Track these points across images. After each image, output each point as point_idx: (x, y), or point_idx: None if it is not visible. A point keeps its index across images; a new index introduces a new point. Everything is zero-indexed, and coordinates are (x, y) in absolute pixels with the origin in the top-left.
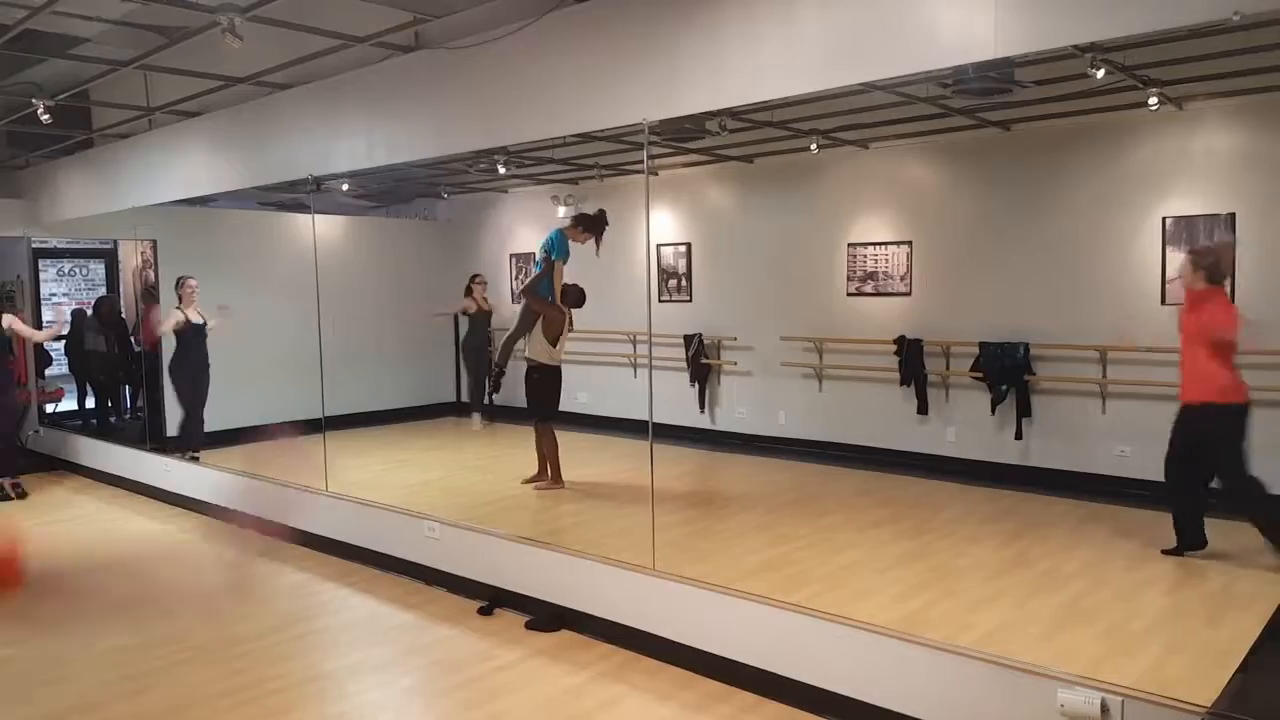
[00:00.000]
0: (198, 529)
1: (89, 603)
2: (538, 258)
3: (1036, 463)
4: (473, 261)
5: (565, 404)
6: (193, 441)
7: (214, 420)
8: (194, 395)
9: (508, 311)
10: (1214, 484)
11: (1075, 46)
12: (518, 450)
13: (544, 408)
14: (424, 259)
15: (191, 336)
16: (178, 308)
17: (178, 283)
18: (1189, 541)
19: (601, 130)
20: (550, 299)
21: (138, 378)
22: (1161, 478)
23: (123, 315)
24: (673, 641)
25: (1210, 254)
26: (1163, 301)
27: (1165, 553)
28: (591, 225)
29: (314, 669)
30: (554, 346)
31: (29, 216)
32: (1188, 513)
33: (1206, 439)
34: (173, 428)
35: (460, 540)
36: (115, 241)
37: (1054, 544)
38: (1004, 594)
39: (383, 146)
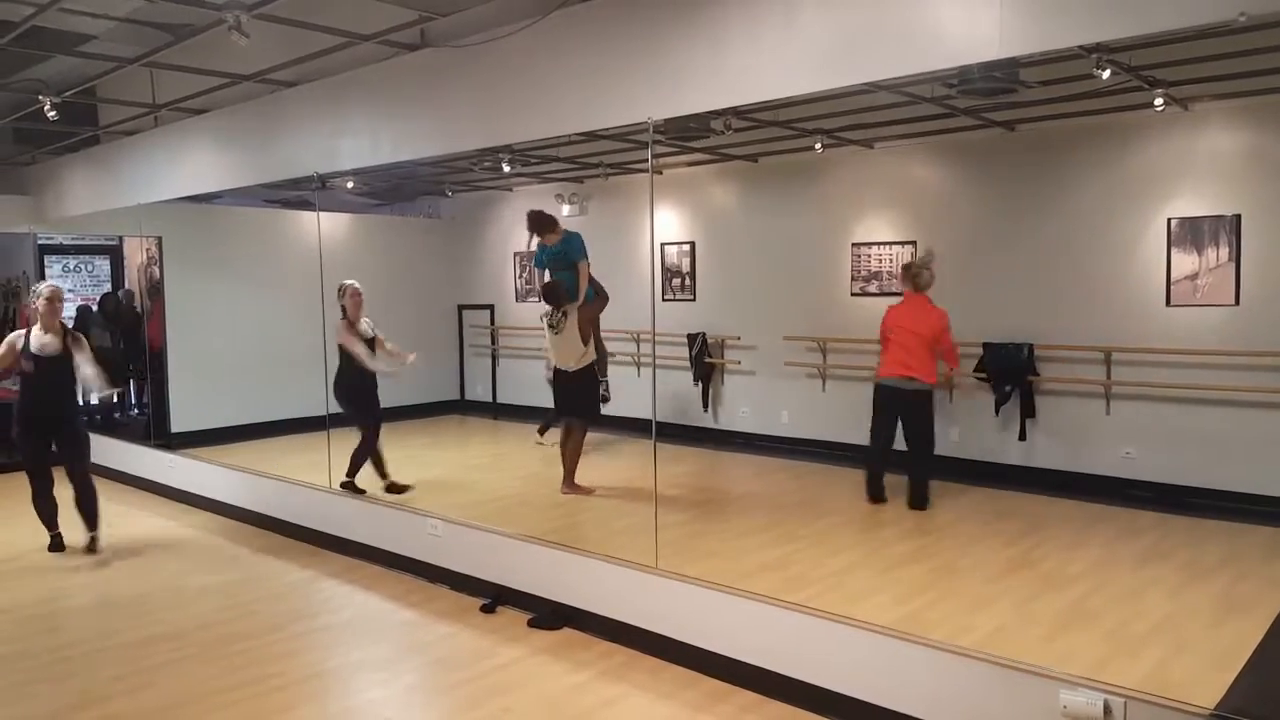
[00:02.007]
0: (201, 525)
1: (90, 598)
2: (557, 266)
3: (1040, 464)
4: (477, 260)
5: None
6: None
7: (219, 417)
8: (358, 420)
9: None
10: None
11: (1081, 47)
12: (521, 449)
13: (593, 410)
14: (428, 257)
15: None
16: (343, 319)
17: (340, 291)
18: (877, 494)
19: (606, 129)
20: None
21: (143, 374)
22: (1159, 479)
23: (138, 309)
24: (675, 640)
25: (913, 267)
26: (1168, 303)
27: (872, 500)
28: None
29: (316, 666)
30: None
31: (35, 213)
32: (881, 471)
33: (916, 412)
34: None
35: (463, 538)
36: (120, 238)
37: (1057, 545)
38: (1006, 595)
39: (388, 144)
